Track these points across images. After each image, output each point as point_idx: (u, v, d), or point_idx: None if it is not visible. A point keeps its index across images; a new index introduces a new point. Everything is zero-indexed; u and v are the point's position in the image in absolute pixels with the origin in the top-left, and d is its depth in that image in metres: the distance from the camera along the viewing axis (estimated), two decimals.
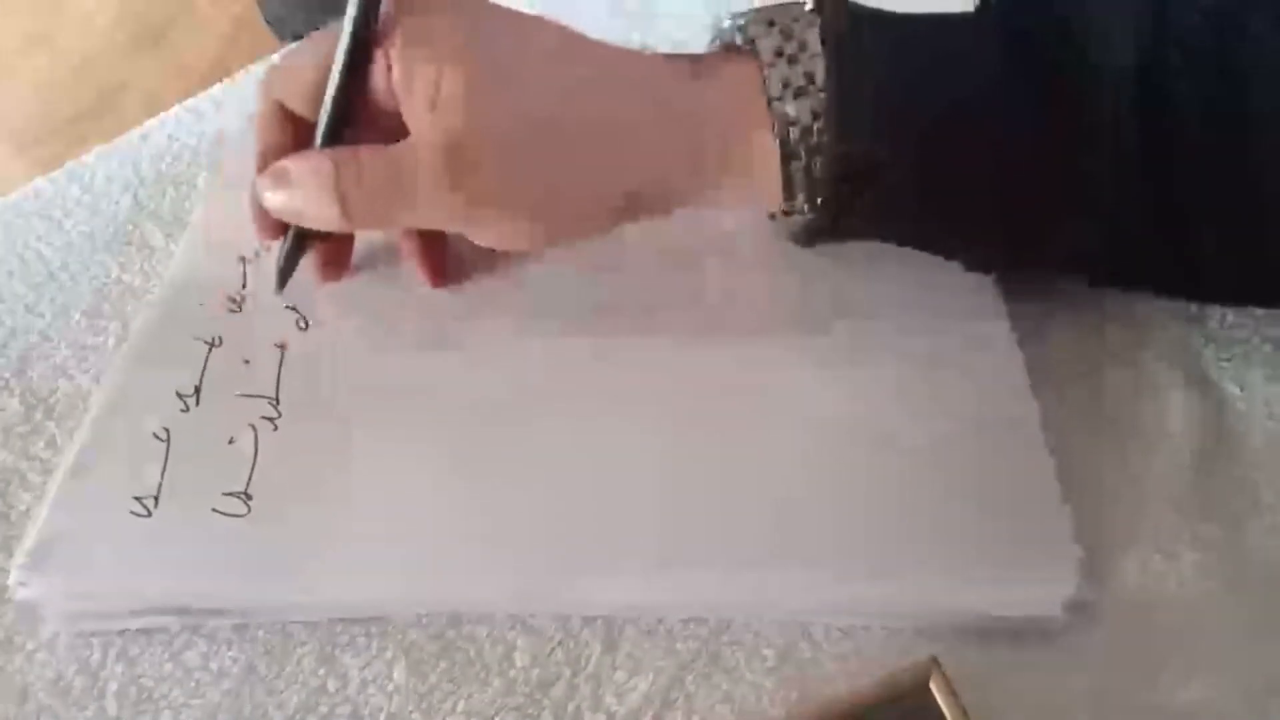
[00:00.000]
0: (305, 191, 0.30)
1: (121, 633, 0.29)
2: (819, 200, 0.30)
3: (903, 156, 0.29)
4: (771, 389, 0.32)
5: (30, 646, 0.29)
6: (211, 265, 0.36)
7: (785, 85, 0.29)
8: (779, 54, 0.29)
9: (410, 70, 0.28)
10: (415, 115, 0.29)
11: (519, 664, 0.28)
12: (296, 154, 0.30)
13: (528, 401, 0.32)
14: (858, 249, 0.32)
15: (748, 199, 0.32)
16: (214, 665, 0.28)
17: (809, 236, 0.32)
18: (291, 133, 0.31)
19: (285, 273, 0.33)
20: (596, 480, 0.30)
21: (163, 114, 0.44)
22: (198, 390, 0.32)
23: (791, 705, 0.26)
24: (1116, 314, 0.34)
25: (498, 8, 0.30)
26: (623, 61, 0.31)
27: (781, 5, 0.30)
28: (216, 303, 0.35)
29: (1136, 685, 0.26)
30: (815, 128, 0.29)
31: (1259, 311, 0.33)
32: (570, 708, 0.27)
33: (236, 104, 0.45)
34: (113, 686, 0.28)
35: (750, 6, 0.31)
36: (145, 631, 0.29)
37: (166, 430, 0.31)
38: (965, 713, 0.23)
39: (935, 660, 0.24)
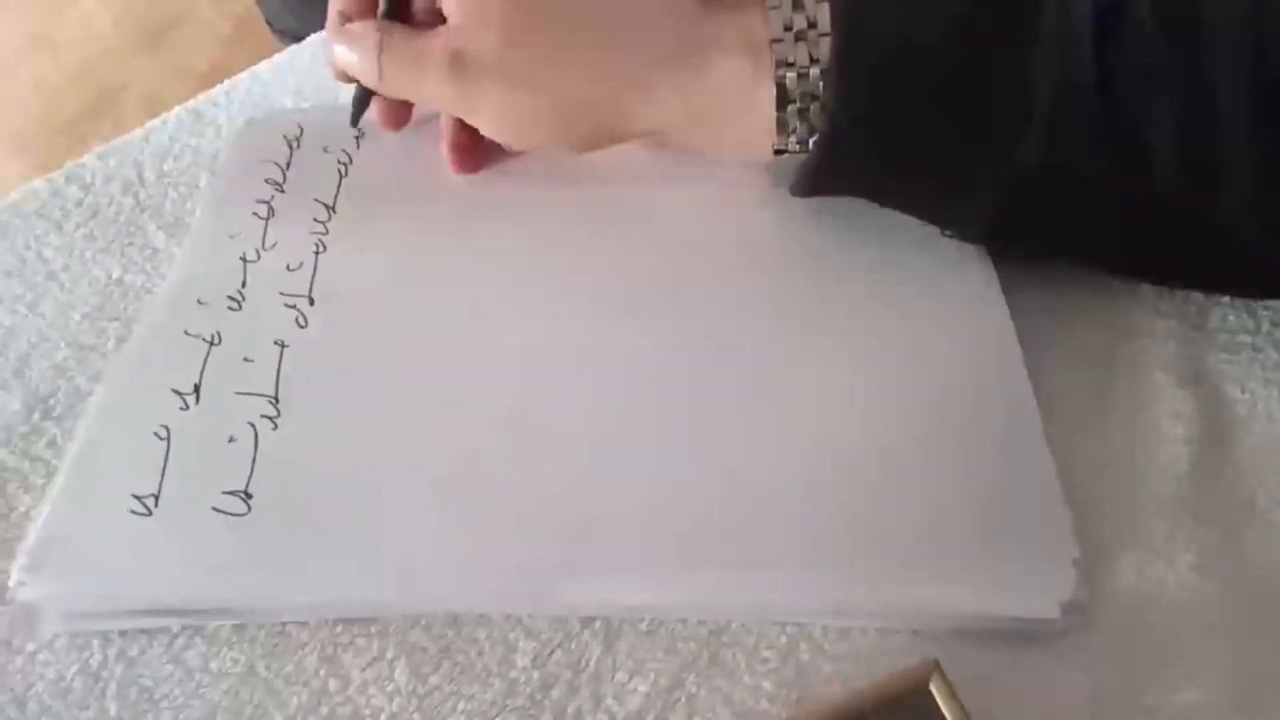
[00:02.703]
0: (357, 52, 0.36)
1: (122, 633, 0.29)
2: (811, 144, 0.31)
3: (896, 106, 0.30)
4: (771, 393, 0.32)
5: (31, 647, 0.29)
6: (212, 264, 0.36)
7: (787, 28, 0.31)
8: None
9: None
10: (448, 6, 0.34)
11: (519, 665, 0.28)
12: (361, 20, 0.36)
13: (529, 403, 0.32)
14: (858, 251, 0.32)
15: (739, 136, 0.34)
16: (214, 665, 0.28)
17: (803, 185, 0.34)
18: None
19: (357, 112, 0.39)
20: (596, 482, 0.30)
21: (164, 115, 0.44)
22: (197, 389, 0.32)
23: (791, 706, 0.26)
24: (1118, 317, 0.34)
25: None
26: None
27: None
28: (216, 301, 0.35)
29: (1135, 687, 0.26)
30: (812, 73, 0.31)
31: (1262, 312, 0.33)
32: (571, 709, 0.27)
33: (238, 106, 0.45)
34: (113, 687, 0.28)
35: None
36: (146, 632, 0.29)
37: (166, 429, 0.31)
38: (967, 714, 0.23)
39: (936, 662, 0.24)
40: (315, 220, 0.38)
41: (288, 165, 0.40)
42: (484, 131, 0.36)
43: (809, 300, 0.34)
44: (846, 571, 0.28)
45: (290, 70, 0.46)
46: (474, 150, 0.39)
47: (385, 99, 0.39)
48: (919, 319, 0.33)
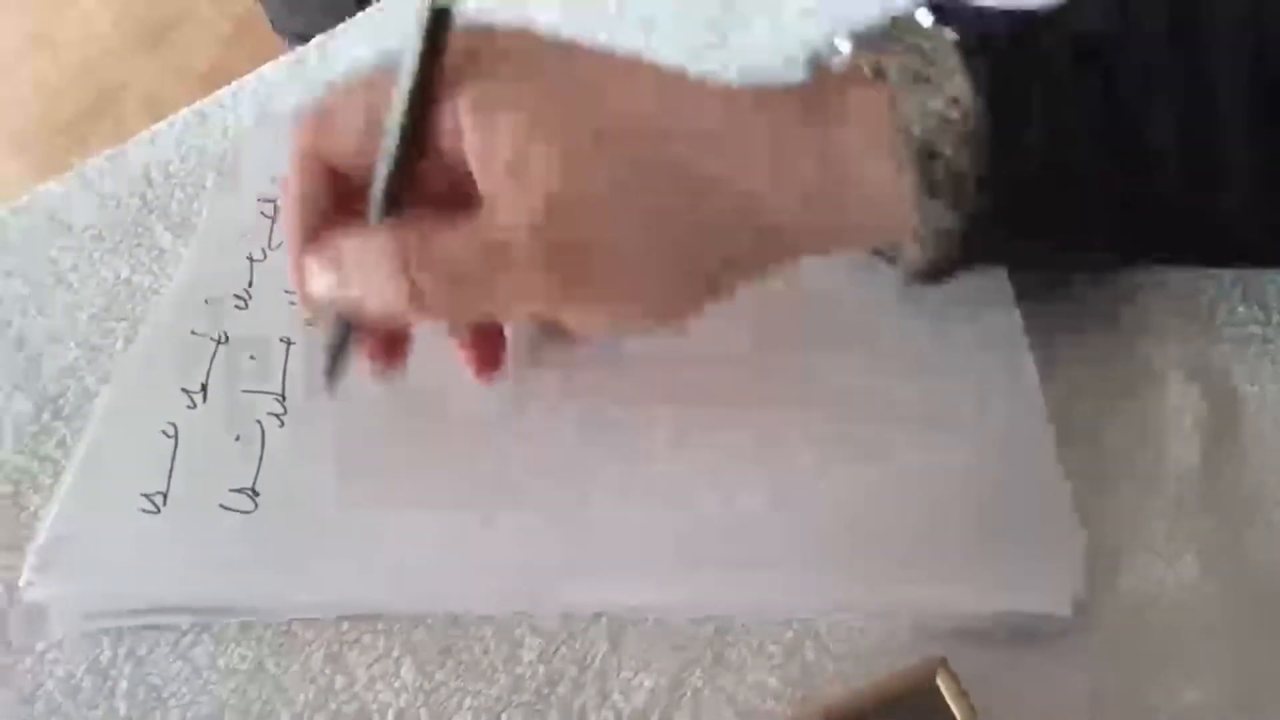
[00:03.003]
0: (366, 279, 0.25)
1: (131, 631, 0.29)
2: (962, 235, 0.26)
3: (1062, 173, 0.26)
4: (775, 390, 0.32)
5: (40, 646, 0.29)
6: (219, 264, 0.36)
7: (924, 112, 0.25)
8: (915, 77, 0.26)
9: (490, 137, 0.24)
10: (496, 184, 0.25)
11: (525, 661, 0.28)
12: (350, 231, 0.26)
13: (535, 400, 0.32)
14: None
15: (865, 243, 0.30)
16: (222, 663, 0.28)
17: (929, 275, 0.28)
18: (333, 193, 0.27)
19: (335, 369, 0.28)
20: (602, 481, 0.30)
21: (171, 116, 0.44)
22: (204, 387, 0.32)
23: (796, 704, 0.27)
24: (1127, 313, 0.34)
25: (577, 51, 0.27)
26: (731, 104, 0.27)
27: (900, 22, 0.28)
28: (223, 300, 0.35)
29: (1139, 685, 0.26)
30: (964, 156, 0.25)
31: (1272, 304, 0.33)
32: (576, 705, 0.27)
33: (244, 106, 0.45)
34: (122, 685, 0.28)
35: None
36: (154, 630, 0.29)
37: (174, 427, 0.31)
38: (974, 711, 0.24)
39: (943, 659, 0.24)
40: None
41: None
42: (590, 322, 0.27)
43: (812, 299, 0.34)
44: (851, 570, 0.28)
45: (295, 71, 0.46)
46: (502, 351, 0.32)
47: (377, 333, 0.29)
48: (925, 316, 0.33)
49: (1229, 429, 0.31)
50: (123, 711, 0.27)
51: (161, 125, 0.44)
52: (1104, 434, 0.31)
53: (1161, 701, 0.26)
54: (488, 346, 0.31)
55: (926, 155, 0.25)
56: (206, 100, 0.45)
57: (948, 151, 0.25)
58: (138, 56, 1.51)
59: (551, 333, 0.30)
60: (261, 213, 0.38)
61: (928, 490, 0.29)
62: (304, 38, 0.48)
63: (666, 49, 0.29)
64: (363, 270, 0.25)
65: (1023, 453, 0.30)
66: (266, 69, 0.46)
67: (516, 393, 0.32)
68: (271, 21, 0.89)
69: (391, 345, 0.30)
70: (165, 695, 0.28)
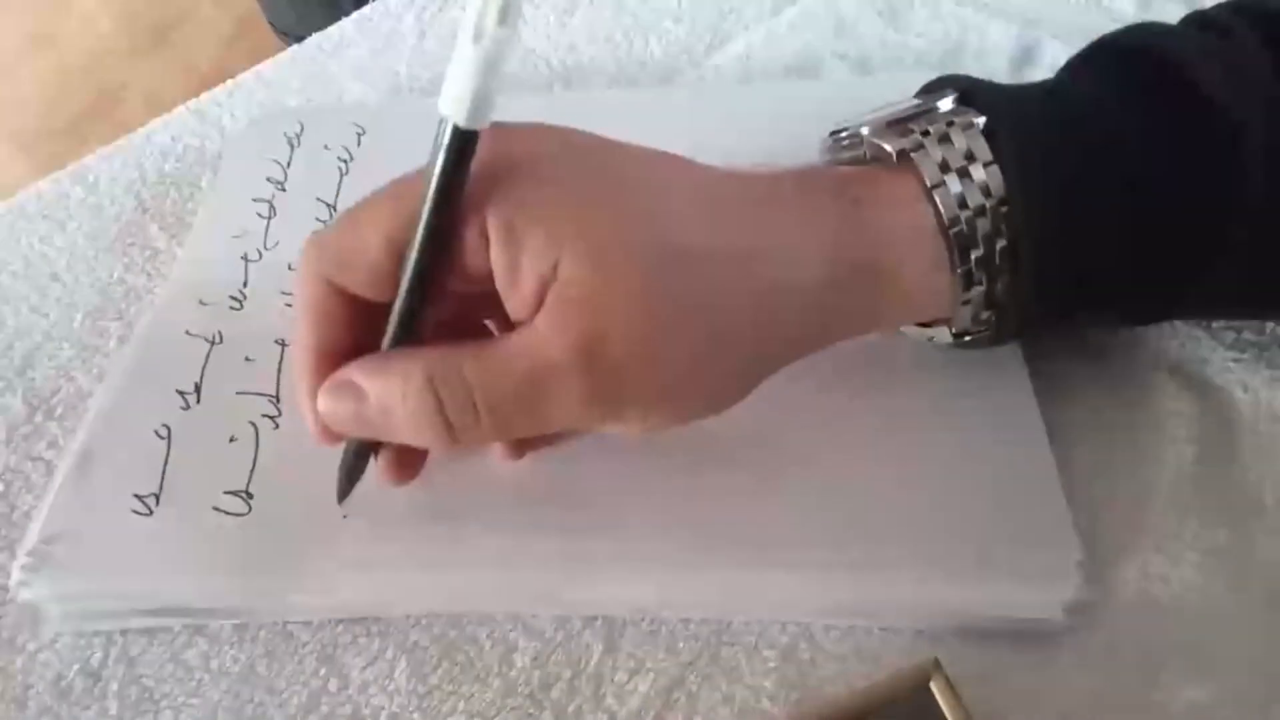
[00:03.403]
0: (392, 415, 0.24)
1: (123, 632, 0.29)
2: (1001, 320, 0.27)
3: (1101, 256, 0.26)
4: (771, 392, 0.32)
5: (32, 647, 0.29)
6: (214, 264, 0.36)
7: (962, 205, 0.25)
8: (945, 166, 0.26)
9: (518, 256, 0.23)
10: (524, 305, 0.24)
11: (519, 664, 0.28)
12: (368, 363, 0.25)
13: None
14: None
15: (899, 325, 0.30)
16: (215, 665, 0.28)
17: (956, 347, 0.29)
18: (348, 318, 0.25)
19: (347, 485, 0.28)
20: (598, 479, 0.30)
21: (166, 115, 0.44)
22: (198, 388, 0.32)
23: (792, 706, 0.26)
24: None
25: (610, 150, 0.25)
26: (767, 204, 0.26)
27: (924, 108, 0.27)
28: (218, 300, 0.35)
29: (1137, 686, 0.26)
30: (999, 247, 0.25)
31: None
32: (571, 708, 0.27)
33: (240, 105, 0.45)
34: (114, 686, 0.28)
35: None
36: (146, 631, 0.29)
37: (167, 428, 0.31)
38: (968, 714, 0.23)
39: (937, 661, 0.24)
40: (317, 220, 0.38)
41: (288, 164, 0.40)
42: (635, 431, 0.26)
43: None
44: (847, 571, 0.28)
45: (293, 70, 0.46)
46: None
47: (393, 450, 0.28)
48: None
49: (1224, 434, 0.31)
50: (114, 712, 0.27)
51: (157, 124, 0.44)
52: (1101, 437, 0.31)
53: (1164, 701, 0.26)
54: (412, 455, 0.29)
55: (961, 242, 0.25)
56: (202, 99, 0.45)
57: (980, 235, 0.25)
58: (139, 57, 1.51)
59: None
60: (257, 213, 0.38)
61: (922, 493, 0.29)
62: (301, 37, 0.48)
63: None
64: (388, 408, 0.24)
65: (1017, 458, 0.29)
66: (263, 68, 0.46)
67: None
68: (270, 21, 0.89)
69: (408, 461, 0.28)
70: (157, 697, 0.28)
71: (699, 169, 0.26)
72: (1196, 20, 0.29)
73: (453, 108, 0.22)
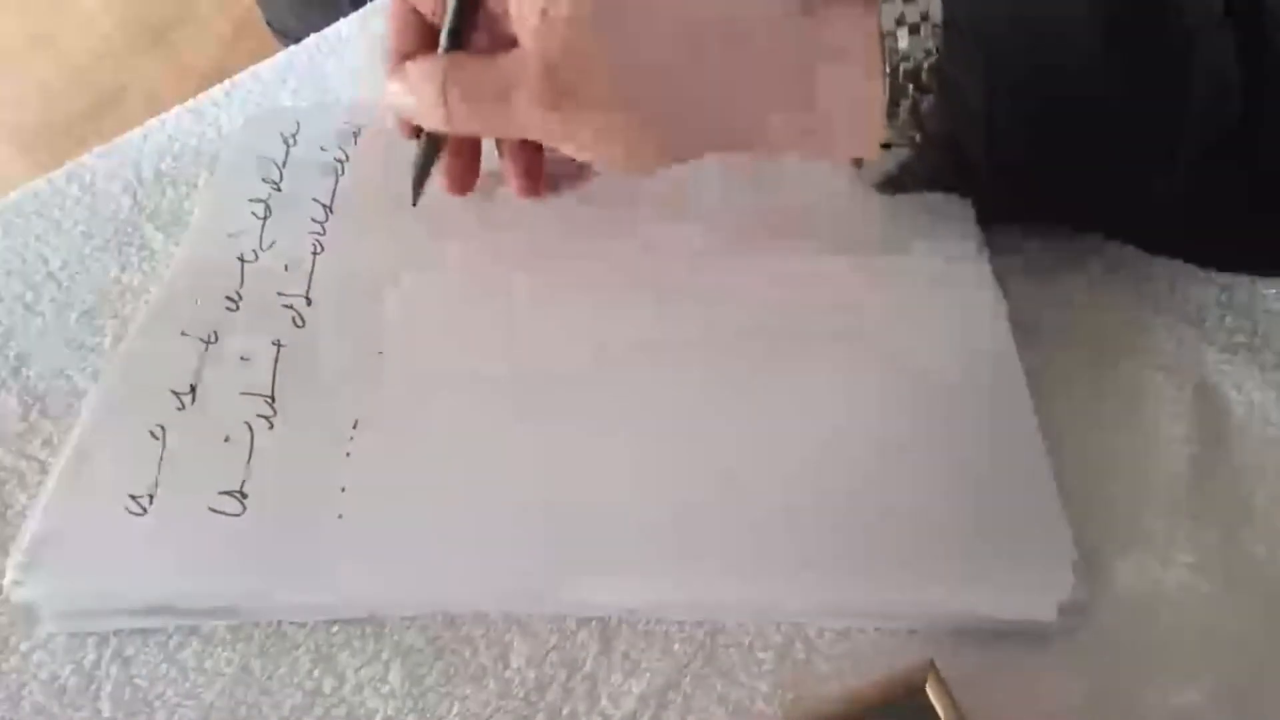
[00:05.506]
0: (418, 93, 0.32)
1: (117, 633, 0.29)
2: (917, 140, 0.30)
3: (1012, 103, 0.29)
4: (766, 392, 0.32)
5: (25, 647, 0.29)
6: (210, 264, 0.36)
7: (899, 21, 0.29)
8: None
9: None
10: (523, 26, 0.30)
11: (515, 665, 0.28)
12: (419, 58, 0.33)
13: (525, 402, 0.32)
14: (852, 251, 0.32)
15: (843, 140, 0.32)
16: (209, 665, 0.28)
17: (896, 183, 0.32)
18: (419, 34, 0.34)
19: (419, 181, 0.35)
20: (594, 481, 0.30)
21: (163, 114, 0.44)
22: (194, 388, 0.32)
23: (788, 707, 0.26)
24: (1115, 315, 0.34)
25: None
26: None
27: None
28: (214, 301, 0.35)
29: (1132, 688, 0.26)
30: (926, 66, 0.29)
31: (1260, 314, 0.33)
32: (566, 710, 0.27)
33: (238, 105, 0.45)
34: (108, 687, 0.28)
35: None
36: (141, 631, 0.29)
37: (162, 428, 0.31)
38: (963, 714, 0.23)
39: (932, 663, 0.24)
40: (313, 220, 0.38)
41: (284, 164, 0.40)
42: (582, 157, 0.32)
43: (804, 299, 0.34)
44: (842, 572, 0.28)
45: (290, 70, 0.46)
46: (541, 173, 0.37)
47: (451, 159, 0.36)
48: (914, 319, 0.33)
49: (1219, 434, 0.31)
50: (107, 713, 0.27)
51: (153, 123, 0.44)
52: (1096, 440, 0.31)
53: (1158, 702, 0.26)
54: (526, 163, 0.37)
55: (896, 58, 0.29)
56: (199, 99, 0.45)
57: (914, 53, 0.29)
58: (138, 57, 1.51)
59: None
60: (253, 213, 0.38)
61: (916, 494, 0.29)
62: (299, 38, 0.48)
63: None
64: (417, 87, 0.32)
65: (1012, 459, 0.29)
66: (260, 68, 0.46)
67: (509, 393, 0.32)
68: (269, 22, 0.89)
69: (466, 169, 0.37)
70: (151, 697, 0.28)
71: None
72: None
73: None
